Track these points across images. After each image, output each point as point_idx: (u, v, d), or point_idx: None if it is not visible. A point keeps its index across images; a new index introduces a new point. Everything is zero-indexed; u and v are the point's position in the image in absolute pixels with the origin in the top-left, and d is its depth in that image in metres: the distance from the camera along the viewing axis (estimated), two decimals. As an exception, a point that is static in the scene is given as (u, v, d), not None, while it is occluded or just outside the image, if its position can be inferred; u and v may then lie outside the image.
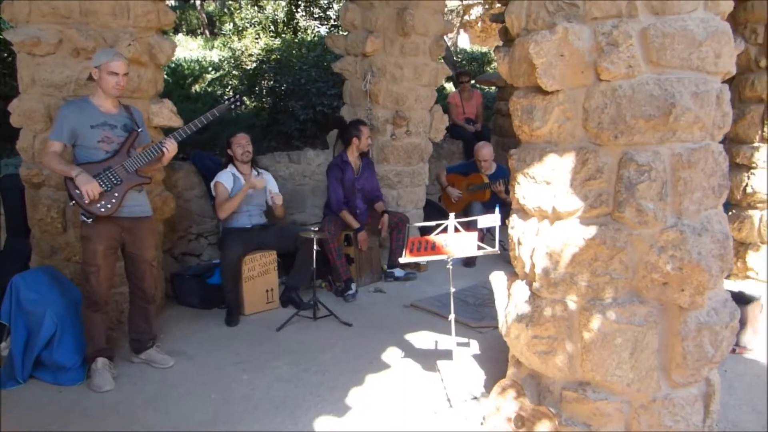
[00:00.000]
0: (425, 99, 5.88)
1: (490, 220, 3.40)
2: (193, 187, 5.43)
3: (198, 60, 9.38)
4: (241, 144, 4.79)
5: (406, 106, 5.74)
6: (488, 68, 12.10)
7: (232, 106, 3.98)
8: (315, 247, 4.46)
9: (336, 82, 7.69)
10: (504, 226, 3.36)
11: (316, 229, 4.56)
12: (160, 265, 4.59)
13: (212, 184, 4.81)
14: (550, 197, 2.58)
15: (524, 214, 2.75)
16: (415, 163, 5.99)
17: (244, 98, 7.23)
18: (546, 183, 2.58)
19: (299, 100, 7.73)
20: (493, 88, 10.06)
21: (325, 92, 7.75)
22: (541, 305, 2.63)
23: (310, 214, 6.14)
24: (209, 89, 8.71)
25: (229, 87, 8.85)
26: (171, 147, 3.58)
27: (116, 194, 3.50)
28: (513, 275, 2.88)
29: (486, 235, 6.15)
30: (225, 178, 4.79)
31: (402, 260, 3.47)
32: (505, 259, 5.87)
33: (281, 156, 6.00)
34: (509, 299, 2.80)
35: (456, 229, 3.49)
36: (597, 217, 2.52)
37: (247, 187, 4.67)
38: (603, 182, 2.49)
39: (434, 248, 3.42)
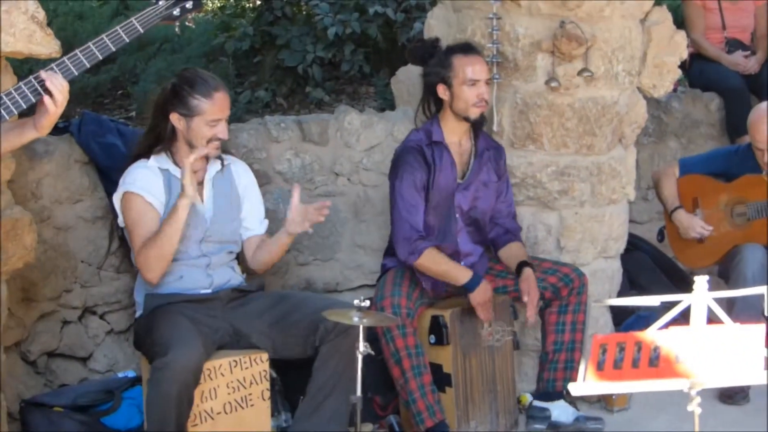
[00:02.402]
0: (631, -5, 5.85)
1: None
2: (79, 198, 5.54)
3: None
4: (216, 119, 4.87)
5: (583, 11, 5.71)
6: None
7: (176, 11, 4.01)
8: (361, 346, 4.47)
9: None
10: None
11: (366, 302, 4.57)
12: (-3, 381, 4.68)
13: (117, 196, 4.91)
14: None
15: None
16: (603, 146, 5.94)
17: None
18: None
19: (327, -5, 7.84)
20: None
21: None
22: None
23: (348, 266, 6.20)
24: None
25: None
26: (59, 88, 3.66)
27: None
28: None
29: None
30: (148, 183, 4.86)
31: (574, 389, 3.44)
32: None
33: (282, 125, 6.07)
34: None
35: (710, 318, 3.43)
36: None
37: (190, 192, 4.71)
38: None
39: (655, 362, 3.37)
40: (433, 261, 5.27)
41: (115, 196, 4.93)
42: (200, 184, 4.98)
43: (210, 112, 4.83)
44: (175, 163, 4.93)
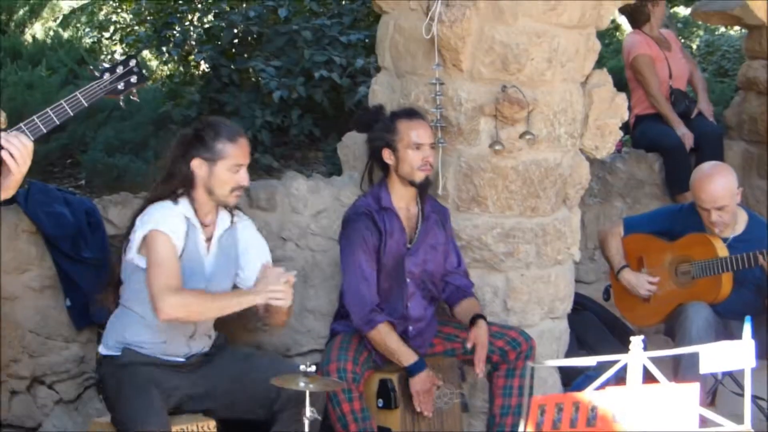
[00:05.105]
0: (571, 58, 5.90)
1: (729, 354, 3.38)
2: (26, 267, 5.56)
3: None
4: (239, 164, 4.87)
5: (525, 75, 5.78)
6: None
7: (120, 85, 4.07)
8: (308, 411, 4.48)
9: (361, 18, 7.83)
10: None
11: (312, 367, 4.59)
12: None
13: (140, 233, 4.80)
14: None
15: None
16: (547, 208, 6.00)
17: (147, 58, 7.30)
18: None
19: (274, 58, 7.92)
20: (736, 29, 9.93)
21: (334, 40, 7.89)
22: None
23: (298, 330, 6.20)
24: (66, 35, 8.96)
25: (115, 30, 9.04)
26: (18, 147, 3.72)
27: None
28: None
29: (718, 388, 6.07)
30: (174, 226, 4.82)
31: (516, 448, 3.47)
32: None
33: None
34: None
35: (648, 376, 3.46)
36: None
37: (280, 292, 4.75)
38: None
39: (593, 422, 3.39)
40: (385, 337, 5.28)
41: (138, 233, 4.81)
42: (209, 240, 4.99)
43: (234, 156, 4.83)
44: (195, 211, 4.91)
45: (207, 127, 4.92)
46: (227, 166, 4.83)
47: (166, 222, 4.78)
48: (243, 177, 4.88)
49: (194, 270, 4.87)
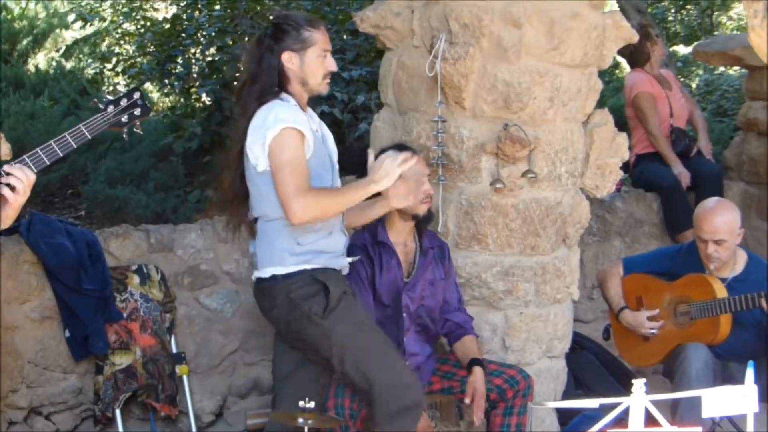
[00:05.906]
0: (573, 97, 5.93)
1: (731, 399, 3.37)
2: (27, 298, 5.60)
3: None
4: (327, 49, 4.85)
5: (527, 114, 5.80)
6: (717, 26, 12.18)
7: (124, 117, 4.09)
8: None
9: (363, 54, 7.84)
10: None
11: (311, 403, 4.58)
12: None
13: (270, 135, 4.64)
14: None
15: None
16: (547, 247, 6.01)
17: (149, 89, 7.31)
18: None
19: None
20: (735, 69, 10.02)
21: (336, 75, 7.86)
22: None
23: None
24: (68, 65, 8.99)
25: (118, 62, 9.06)
26: (21, 179, 3.72)
27: None
28: None
29: (716, 430, 6.05)
30: (299, 118, 4.73)
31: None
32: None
33: (231, 226, 6.04)
34: None
35: (650, 419, 3.47)
36: None
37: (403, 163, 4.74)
38: None
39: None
40: None
41: (269, 133, 4.66)
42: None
43: (321, 42, 4.84)
44: (297, 103, 4.86)
45: (285, 19, 4.90)
46: (317, 52, 4.84)
47: (292, 117, 4.71)
48: (331, 62, 4.90)
49: (323, 154, 4.89)
